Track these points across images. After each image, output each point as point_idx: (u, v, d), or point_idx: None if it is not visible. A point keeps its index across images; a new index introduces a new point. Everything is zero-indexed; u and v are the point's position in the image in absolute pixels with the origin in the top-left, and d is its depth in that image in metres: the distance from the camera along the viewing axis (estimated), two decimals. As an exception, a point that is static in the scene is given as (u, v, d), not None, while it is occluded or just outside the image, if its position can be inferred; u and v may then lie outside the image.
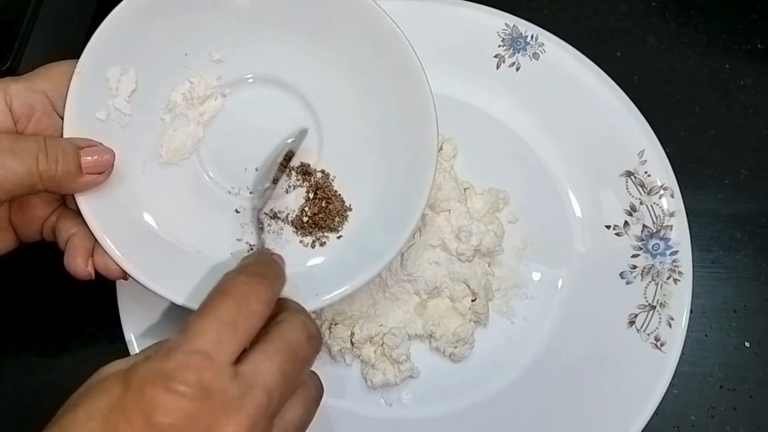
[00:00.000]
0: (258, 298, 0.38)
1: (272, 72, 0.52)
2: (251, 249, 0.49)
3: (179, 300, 0.46)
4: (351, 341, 0.55)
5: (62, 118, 0.46)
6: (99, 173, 0.45)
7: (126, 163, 0.47)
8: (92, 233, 0.45)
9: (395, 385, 0.55)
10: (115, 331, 0.56)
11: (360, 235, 0.50)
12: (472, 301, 0.56)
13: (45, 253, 0.59)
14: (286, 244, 0.50)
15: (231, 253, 0.49)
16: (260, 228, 0.49)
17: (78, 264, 0.46)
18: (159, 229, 0.49)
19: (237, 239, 0.50)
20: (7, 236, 0.48)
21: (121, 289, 0.56)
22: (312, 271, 0.49)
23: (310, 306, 0.45)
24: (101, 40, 0.47)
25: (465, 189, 0.59)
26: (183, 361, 0.34)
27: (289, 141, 0.51)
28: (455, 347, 0.56)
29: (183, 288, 0.46)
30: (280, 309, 0.41)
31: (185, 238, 0.49)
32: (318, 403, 0.42)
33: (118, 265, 0.46)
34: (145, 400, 0.34)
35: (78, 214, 0.46)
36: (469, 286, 0.56)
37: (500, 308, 0.58)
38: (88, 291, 0.59)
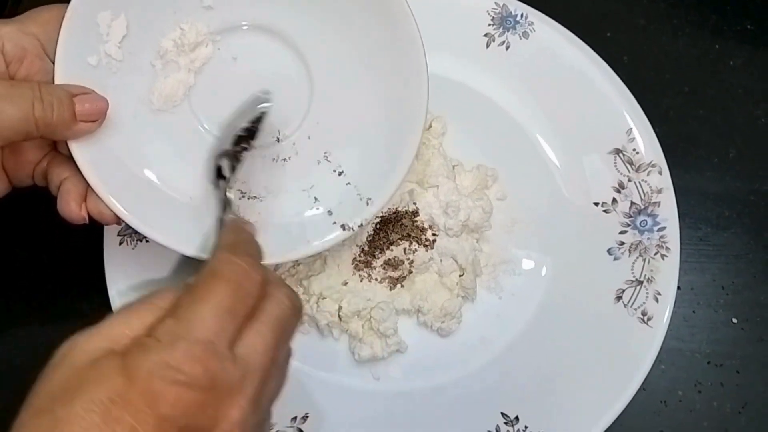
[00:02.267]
0: (252, 280, 0.38)
1: (263, 20, 0.52)
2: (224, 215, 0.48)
3: (171, 243, 0.47)
4: (338, 315, 0.55)
5: (53, 63, 0.46)
6: (92, 121, 0.45)
7: (118, 109, 0.48)
8: (85, 178, 0.46)
9: (383, 359, 0.55)
10: (104, 307, 0.56)
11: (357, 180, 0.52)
12: (460, 276, 0.56)
13: (33, 228, 0.61)
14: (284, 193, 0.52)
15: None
16: (227, 200, 0.47)
17: (72, 208, 0.46)
18: (151, 175, 0.49)
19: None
20: (0, 181, 0.48)
21: (109, 264, 0.56)
22: (306, 221, 0.51)
23: (301, 252, 0.49)
24: None
25: (454, 166, 0.59)
26: (189, 353, 0.34)
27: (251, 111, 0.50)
28: (443, 322, 0.56)
29: (174, 232, 0.48)
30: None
31: (177, 184, 0.50)
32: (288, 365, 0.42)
33: (110, 210, 0.46)
34: (153, 392, 0.33)
35: (69, 158, 0.46)
36: (456, 261, 0.56)
37: (488, 284, 0.58)
38: (76, 266, 0.60)
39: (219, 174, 0.48)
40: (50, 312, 0.60)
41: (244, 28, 0.52)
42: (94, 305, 0.58)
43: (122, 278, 0.56)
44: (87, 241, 0.58)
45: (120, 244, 0.57)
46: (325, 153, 0.52)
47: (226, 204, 0.47)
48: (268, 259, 0.47)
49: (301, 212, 0.51)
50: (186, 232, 0.48)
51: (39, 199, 0.58)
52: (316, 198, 0.51)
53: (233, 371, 0.35)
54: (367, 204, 0.50)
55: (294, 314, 0.40)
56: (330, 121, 0.52)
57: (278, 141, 0.52)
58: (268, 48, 0.52)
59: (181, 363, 0.33)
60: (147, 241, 0.57)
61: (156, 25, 0.50)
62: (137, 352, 0.34)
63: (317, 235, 0.50)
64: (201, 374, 0.34)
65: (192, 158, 0.51)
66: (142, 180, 0.49)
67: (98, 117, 0.45)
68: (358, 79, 0.52)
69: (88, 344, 0.35)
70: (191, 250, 0.48)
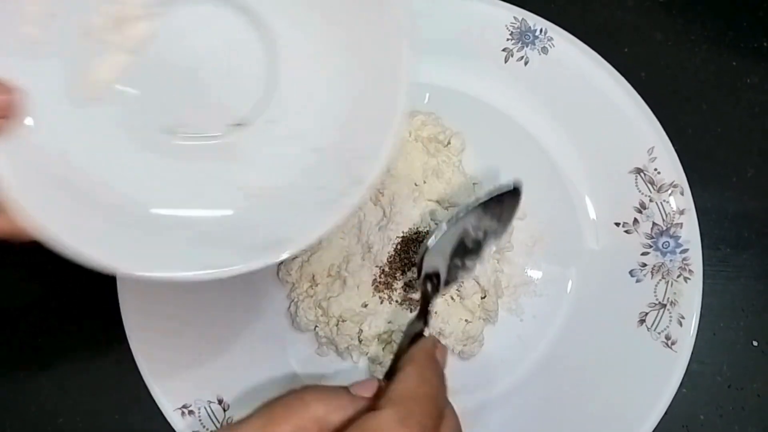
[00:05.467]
0: None
1: None
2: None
3: (108, 261, 0.37)
4: (359, 338, 0.54)
5: None
6: (1, 117, 0.37)
7: (40, 100, 0.39)
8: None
9: (403, 383, 0.54)
10: (116, 333, 0.55)
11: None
12: (482, 298, 0.55)
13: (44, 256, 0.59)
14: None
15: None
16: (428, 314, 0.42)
17: None
18: (85, 177, 0.40)
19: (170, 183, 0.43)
20: None
21: (123, 289, 0.55)
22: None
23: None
24: None
25: (474, 184, 0.58)
26: None
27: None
28: (464, 345, 0.55)
29: (112, 246, 0.38)
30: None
31: (115, 185, 0.41)
32: None
33: (30, 224, 0.36)
34: None
35: None
36: (478, 283, 0.55)
37: (509, 306, 0.57)
38: (88, 294, 0.58)
39: (428, 278, 0.41)
40: (60, 343, 0.58)
41: None
42: (110, 333, 0.57)
43: (136, 304, 0.54)
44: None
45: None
46: (299, 132, 0.44)
47: (425, 318, 0.41)
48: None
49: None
50: (126, 245, 0.39)
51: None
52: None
53: None
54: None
55: None
56: (296, 97, 0.44)
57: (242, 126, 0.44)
58: (220, 19, 0.43)
59: None
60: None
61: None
62: None
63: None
64: None
65: (130, 154, 0.42)
66: (74, 185, 0.40)
67: (7, 112, 0.37)
68: (328, 51, 0.44)
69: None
70: (131, 268, 0.37)
